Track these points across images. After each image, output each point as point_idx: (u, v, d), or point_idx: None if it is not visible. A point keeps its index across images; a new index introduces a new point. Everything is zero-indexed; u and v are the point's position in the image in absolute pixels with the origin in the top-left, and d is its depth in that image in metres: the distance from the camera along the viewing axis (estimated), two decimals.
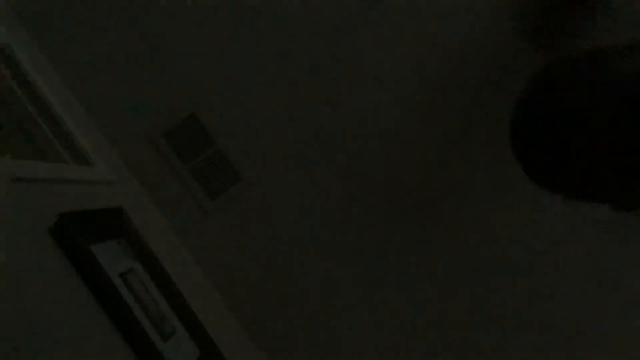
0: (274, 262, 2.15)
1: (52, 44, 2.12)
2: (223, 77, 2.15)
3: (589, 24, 1.91)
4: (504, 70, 2.07)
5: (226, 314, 2.09)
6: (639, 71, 0.51)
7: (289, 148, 2.15)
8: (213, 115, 2.15)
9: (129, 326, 1.14)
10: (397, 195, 2.13)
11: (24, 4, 2.10)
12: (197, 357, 1.38)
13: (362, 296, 2.13)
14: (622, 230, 1.99)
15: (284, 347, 2.14)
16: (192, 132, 2.14)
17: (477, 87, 2.09)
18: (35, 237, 1.06)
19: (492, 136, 2.08)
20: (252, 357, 2.01)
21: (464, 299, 2.11)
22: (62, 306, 0.99)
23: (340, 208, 2.14)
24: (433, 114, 2.12)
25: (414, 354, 2.12)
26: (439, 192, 2.12)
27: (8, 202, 1.06)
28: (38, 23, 2.11)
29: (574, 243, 2.06)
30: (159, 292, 1.45)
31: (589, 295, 2.05)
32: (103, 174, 1.71)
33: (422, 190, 2.12)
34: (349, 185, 2.14)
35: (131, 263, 1.37)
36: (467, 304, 2.11)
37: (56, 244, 1.11)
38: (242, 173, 2.15)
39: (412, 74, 2.11)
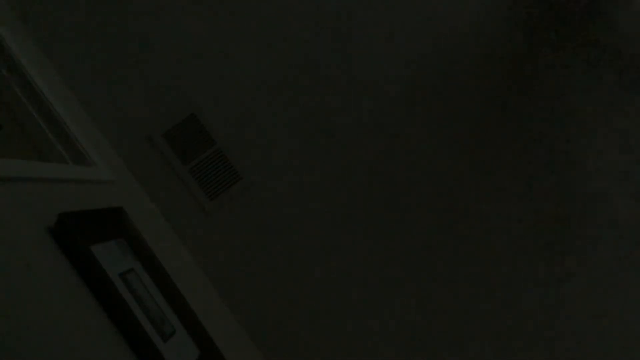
0: (274, 262, 2.15)
1: (52, 44, 2.12)
2: (223, 77, 2.15)
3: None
4: (509, 68, 2.07)
5: (226, 314, 2.08)
6: None
7: (289, 147, 2.15)
8: (213, 115, 2.15)
9: (129, 326, 1.14)
10: (399, 195, 2.13)
11: (25, 4, 2.10)
12: (197, 357, 1.38)
13: (362, 296, 2.13)
14: None
15: (283, 347, 2.14)
16: (192, 132, 2.14)
17: (479, 85, 2.09)
18: (35, 237, 1.06)
19: (496, 131, 2.08)
20: (252, 357, 2.01)
21: (468, 298, 2.11)
22: (62, 306, 0.99)
23: (341, 207, 2.14)
24: (434, 113, 2.12)
25: (415, 354, 2.12)
26: (441, 189, 2.12)
27: (8, 202, 1.06)
28: (39, 23, 2.11)
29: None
30: (159, 292, 1.44)
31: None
32: (103, 174, 1.71)
33: (424, 189, 2.12)
34: (350, 185, 2.14)
35: (131, 263, 1.37)
36: (470, 303, 2.11)
37: (56, 244, 1.11)
38: (242, 173, 2.15)
39: (413, 72, 2.11)
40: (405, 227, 2.13)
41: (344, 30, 2.12)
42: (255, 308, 2.15)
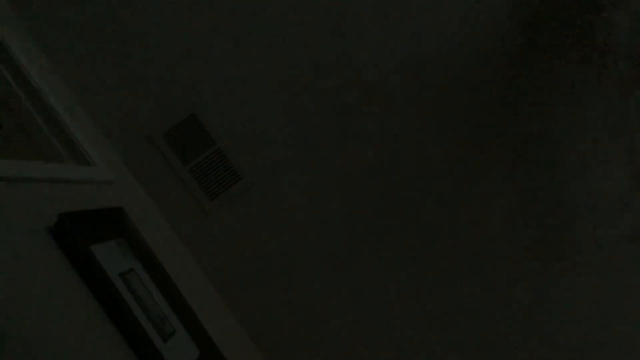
0: (274, 262, 2.15)
1: (52, 44, 2.12)
2: (223, 77, 2.15)
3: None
4: (510, 68, 2.07)
5: (226, 314, 2.08)
6: None
7: (289, 147, 2.15)
8: (213, 115, 2.15)
9: (129, 326, 1.14)
10: (399, 196, 2.13)
11: (25, 4, 2.10)
12: (197, 357, 1.38)
13: (362, 295, 2.13)
14: None
15: (283, 347, 2.14)
16: (192, 132, 2.14)
17: (476, 83, 2.09)
18: (35, 237, 1.06)
19: (492, 130, 2.08)
20: (252, 357, 2.01)
21: (468, 299, 2.11)
22: (62, 306, 0.99)
23: (341, 207, 2.14)
24: (435, 112, 2.12)
25: (415, 353, 2.12)
26: (439, 190, 2.12)
27: (8, 202, 1.06)
28: (39, 23, 2.11)
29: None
30: (159, 292, 1.44)
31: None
32: (103, 174, 1.71)
33: (424, 189, 2.12)
34: (350, 184, 2.14)
35: (131, 263, 1.37)
36: (469, 303, 2.11)
37: (56, 244, 1.11)
38: (242, 173, 2.15)
39: (414, 73, 2.11)
40: (406, 226, 2.13)
41: (345, 31, 2.12)
42: (255, 308, 2.15)
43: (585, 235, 2.06)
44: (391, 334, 2.12)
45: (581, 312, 2.06)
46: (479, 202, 2.10)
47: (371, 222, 2.14)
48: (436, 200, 2.12)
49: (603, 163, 2.03)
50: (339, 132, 2.14)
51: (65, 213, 1.17)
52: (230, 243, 2.16)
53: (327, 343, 2.13)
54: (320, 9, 2.12)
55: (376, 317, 2.13)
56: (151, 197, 2.15)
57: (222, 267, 2.16)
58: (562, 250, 2.07)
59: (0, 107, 1.64)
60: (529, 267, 2.08)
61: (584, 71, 2.01)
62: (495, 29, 2.06)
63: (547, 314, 2.07)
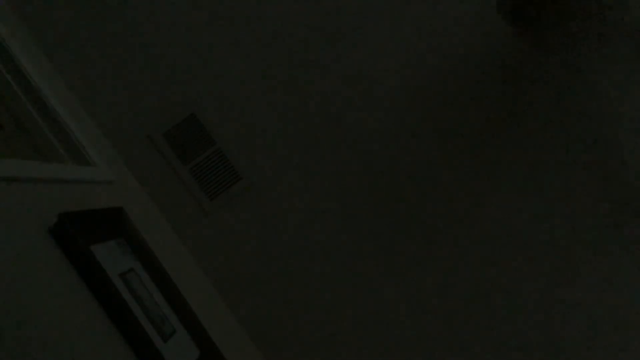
0: (274, 262, 2.15)
1: (52, 45, 2.12)
2: (223, 77, 2.15)
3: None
4: (504, 69, 2.07)
5: (226, 314, 2.09)
6: None
7: (289, 147, 2.15)
8: (213, 115, 2.15)
9: (129, 326, 1.14)
10: (400, 196, 2.13)
11: (25, 4, 2.10)
12: (197, 357, 1.38)
13: (363, 296, 2.13)
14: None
15: (284, 347, 2.14)
16: (192, 132, 2.15)
17: (475, 84, 2.09)
18: (35, 237, 1.06)
19: (490, 131, 2.08)
20: (252, 357, 2.01)
21: (467, 298, 2.11)
22: (62, 306, 0.99)
23: (341, 207, 2.14)
24: (435, 112, 2.12)
25: (415, 354, 2.12)
26: (439, 190, 2.12)
27: (8, 202, 1.06)
28: (38, 23, 2.11)
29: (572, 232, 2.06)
30: (159, 292, 1.45)
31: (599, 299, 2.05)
32: (103, 174, 1.71)
33: (424, 191, 2.12)
34: (350, 185, 2.14)
35: (131, 263, 1.37)
36: (469, 303, 2.11)
37: (56, 244, 1.12)
38: (242, 173, 2.15)
39: (415, 73, 2.11)
40: (406, 226, 2.13)
41: (345, 31, 2.12)
42: (255, 308, 2.15)
43: (586, 235, 2.06)
44: (391, 334, 2.12)
45: (585, 312, 2.06)
46: (479, 201, 2.10)
47: (371, 222, 2.14)
48: (436, 200, 2.12)
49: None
50: (339, 133, 2.14)
51: (65, 213, 1.17)
52: (230, 243, 2.16)
53: (327, 343, 2.13)
54: (319, 9, 2.12)
55: (376, 317, 2.13)
56: (151, 197, 2.15)
57: (222, 267, 2.16)
58: (566, 248, 2.07)
59: (0, 107, 1.64)
60: (531, 267, 2.08)
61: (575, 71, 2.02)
62: (498, 28, 2.07)
63: (550, 314, 2.07)
